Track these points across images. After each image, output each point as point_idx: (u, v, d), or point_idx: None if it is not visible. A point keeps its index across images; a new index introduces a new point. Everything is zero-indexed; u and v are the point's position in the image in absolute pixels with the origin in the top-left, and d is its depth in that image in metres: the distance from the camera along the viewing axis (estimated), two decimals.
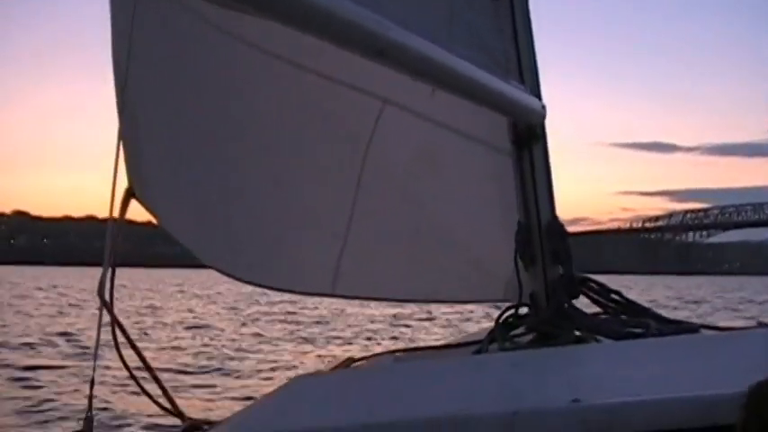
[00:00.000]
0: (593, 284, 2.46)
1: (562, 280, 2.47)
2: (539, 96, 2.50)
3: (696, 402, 1.31)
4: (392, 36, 1.69)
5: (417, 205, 3.05)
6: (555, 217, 2.52)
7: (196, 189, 2.56)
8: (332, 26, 1.56)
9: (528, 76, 2.48)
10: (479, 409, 1.48)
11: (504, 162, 2.91)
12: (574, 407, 1.34)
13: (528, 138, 2.50)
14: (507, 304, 2.67)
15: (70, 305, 26.78)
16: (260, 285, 2.77)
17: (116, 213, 2.36)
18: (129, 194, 2.36)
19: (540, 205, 2.49)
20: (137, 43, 2.25)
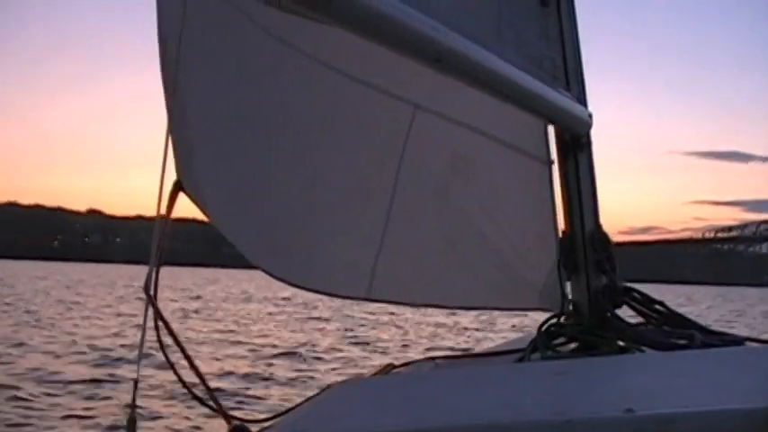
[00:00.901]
0: (636, 294, 2.44)
1: (605, 289, 2.44)
2: (585, 105, 2.47)
3: (748, 414, 1.31)
4: (450, 43, 1.69)
5: (452, 211, 3.03)
6: (599, 226, 2.50)
7: (241, 186, 2.60)
8: (392, 33, 1.56)
9: (574, 84, 2.46)
10: (531, 416, 1.48)
11: (538, 169, 2.97)
12: (628, 417, 1.34)
13: (573, 146, 2.47)
14: (548, 314, 2.67)
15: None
16: (297, 286, 2.79)
17: (164, 208, 2.35)
18: (178, 188, 2.36)
19: (585, 214, 2.47)
20: (186, 40, 2.28)
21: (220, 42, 2.46)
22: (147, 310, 2.27)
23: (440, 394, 1.84)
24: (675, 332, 2.30)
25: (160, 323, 2.26)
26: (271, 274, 2.61)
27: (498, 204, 3.05)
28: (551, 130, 2.80)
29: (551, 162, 2.93)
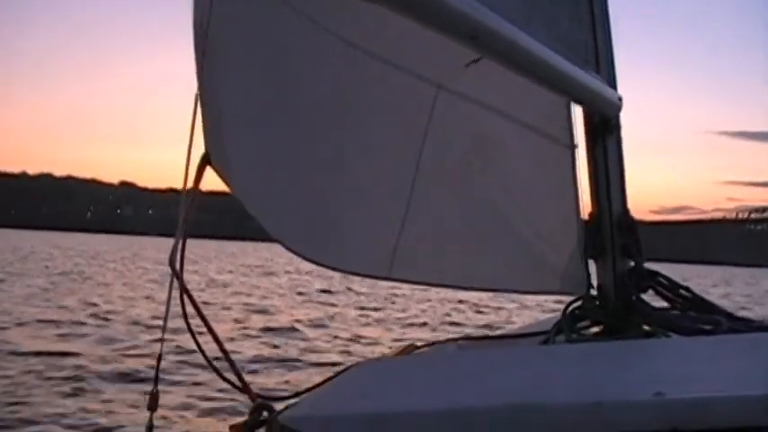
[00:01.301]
0: (661, 279, 2.43)
1: (631, 273, 2.44)
2: (614, 87, 2.46)
3: None
4: (486, 21, 1.68)
5: (473, 192, 3.03)
6: (626, 210, 2.49)
7: (266, 163, 2.61)
8: (430, 9, 1.55)
9: (604, 66, 2.44)
10: (562, 398, 1.49)
11: (561, 153, 2.95)
12: (658, 400, 1.35)
13: (602, 129, 2.46)
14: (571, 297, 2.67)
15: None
16: (319, 264, 2.76)
17: (191, 180, 2.35)
18: (205, 161, 2.35)
19: (612, 198, 2.46)
20: (217, 15, 2.27)
21: (250, 18, 2.46)
22: (171, 284, 2.26)
23: (468, 375, 1.83)
24: (701, 317, 2.29)
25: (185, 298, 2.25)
26: (292, 251, 2.61)
27: (520, 187, 3.05)
28: (576, 112, 2.81)
29: (574, 146, 2.91)
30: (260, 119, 2.56)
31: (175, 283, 2.27)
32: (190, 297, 2.27)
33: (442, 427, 1.48)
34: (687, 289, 2.42)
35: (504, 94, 2.89)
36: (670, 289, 2.42)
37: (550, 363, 1.89)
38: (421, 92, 2.86)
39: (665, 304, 2.42)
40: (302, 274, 34.47)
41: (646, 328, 2.36)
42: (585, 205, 2.85)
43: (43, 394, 7.64)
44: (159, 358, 2.35)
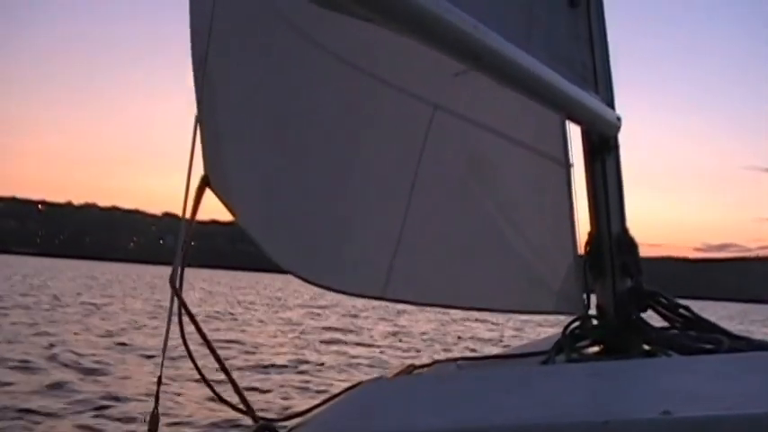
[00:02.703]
0: (661, 298, 2.39)
1: (631, 292, 2.41)
2: (612, 107, 2.43)
3: None
4: (489, 42, 1.67)
5: (469, 212, 3.01)
6: (625, 229, 2.46)
7: (264, 183, 2.63)
8: (434, 29, 1.54)
9: (603, 86, 2.42)
10: (568, 417, 1.46)
11: (557, 172, 2.94)
12: (667, 419, 1.33)
13: (601, 149, 2.44)
14: (570, 316, 2.64)
15: None
16: (312, 283, 2.75)
17: (190, 202, 2.35)
18: (205, 183, 2.35)
19: (612, 217, 2.44)
20: (216, 35, 2.29)
21: (248, 38, 2.49)
22: (172, 303, 2.24)
23: (473, 395, 1.81)
24: (702, 336, 2.25)
25: (184, 318, 2.25)
26: (289, 271, 2.61)
27: (516, 206, 3.03)
28: (572, 131, 2.81)
29: (570, 165, 2.91)
30: (258, 140, 2.54)
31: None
32: (190, 316, 2.26)
33: None
34: (687, 308, 2.37)
35: (500, 113, 2.90)
36: (670, 308, 2.38)
37: (554, 382, 1.85)
38: (418, 111, 2.86)
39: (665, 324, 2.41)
40: None
41: (646, 347, 2.32)
42: (581, 224, 2.87)
43: None
44: (160, 379, 2.31)
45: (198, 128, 2.34)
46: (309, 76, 2.67)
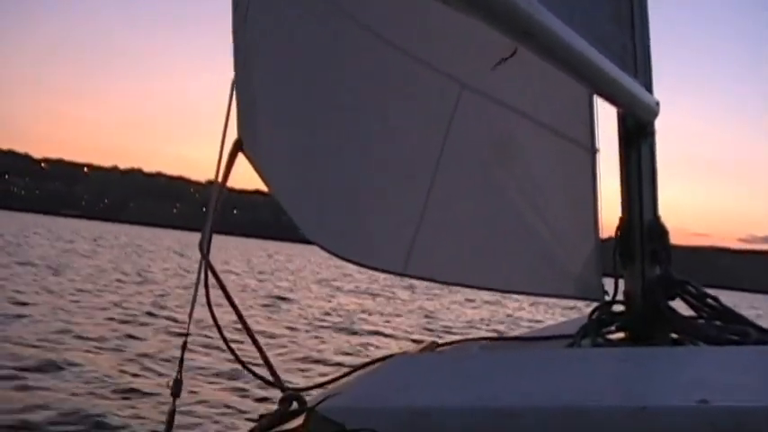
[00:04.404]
0: (690, 287, 2.34)
1: (660, 280, 2.35)
2: (651, 92, 2.36)
3: None
4: (540, 18, 1.62)
5: (492, 192, 2.98)
6: (657, 216, 2.40)
7: (295, 153, 2.63)
8: (487, 3, 1.51)
9: (642, 70, 2.35)
10: (605, 401, 1.44)
11: (582, 157, 2.92)
12: (703, 407, 1.31)
13: (637, 134, 2.37)
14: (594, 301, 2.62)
15: None
16: (337, 256, 2.74)
17: (223, 165, 2.33)
18: (238, 147, 2.33)
19: (644, 203, 2.38)
20: (253, 8, 2.24)
21: (285, 8, 2.47)
22: (200, 268, 2.21)
23: (505, 374, 1.78)
24: (729, 327, 2.20)
25: (210, 285, 2.22)
26: (314, 241, 2.61)
27: (540, 189, 3.00)
28: (599, 116, 2.83)
29: (596, 150, 2.89)
30: (291, 109, 2.57)
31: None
32: (219, 281, 2.22)
33: (488, 425, 1.44)
34: (715, 298, 2.31)
35: (528, 95, 2.87)
36: (698, 298, 2.31)
37: (584, 365, 1.82)
38: (445, 90, 2.84)
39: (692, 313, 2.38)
40: None
41: (673, 336, 2.28)
42: (605, 211, 2.85)
43: None
44: (184, 344, 2.30)
45: (234, 92, 2.33)
46: (342, 47, 2.65)
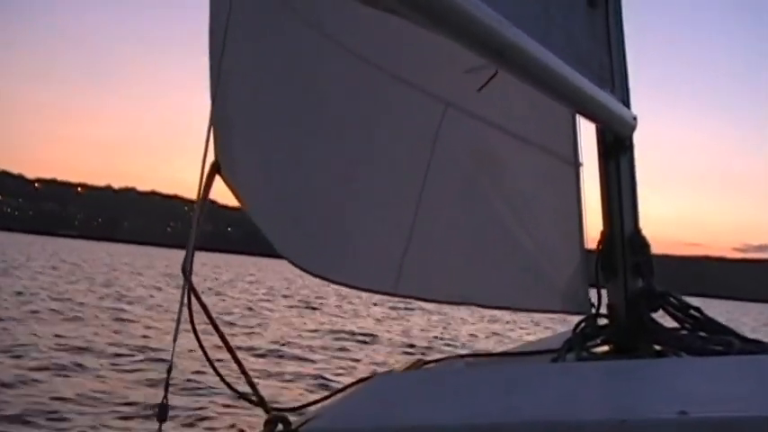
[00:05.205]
0: (672, 299, 2.34)
1: (643, 292, 2.36)
2: (628, 107, 2.37)
3: None
4: (513, 38, 1.61)
5: (479, 209, 2.98)
6: (638, 229, 2.40)
7: (275, 175, 2.62)
8: (459, 24, 1.50)
9: (619, 85, 2.36)
10: (585, 415, 1.44)
11: (566, 171, 2.93)
12: (684, 419, 1.30)
13: (616, 148, 2.38)
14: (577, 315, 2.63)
15: None
16: (322, 278, 2.75)
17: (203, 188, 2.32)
18: (215, 170, 2.32)
19: (625, 217, 2.38)
20: (232, 29, 2.24)
21: (263, 31, 2.48)
22: (183, 291, 2.19)
23: (488, 391, 1.78)
24: (713, 338, 2.20)
25: (194, 306, 2.20)
26: (297, 265, 2.55)
27: (525, 205, 3.00)
28: (582, 131, 2.81)
29: (579, 164, 2.89)
30: (270, 130, 2.59)
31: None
32: (201, 304, 2.21)
33: None
34: (698, 309, 2.32)
35: (511, 112, 2.88)
36: (681, 309, 2.32)
37: (567, 380, 1.81)
38: (429, 109, 2.84)
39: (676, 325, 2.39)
40: None
41: (656, 347, 2.28)
42: (590, 224, 2.83)
43: None
44: (170, 368, 2.23)
45: (211, 115, 2.34)
46: (323, 70, 2.64)
